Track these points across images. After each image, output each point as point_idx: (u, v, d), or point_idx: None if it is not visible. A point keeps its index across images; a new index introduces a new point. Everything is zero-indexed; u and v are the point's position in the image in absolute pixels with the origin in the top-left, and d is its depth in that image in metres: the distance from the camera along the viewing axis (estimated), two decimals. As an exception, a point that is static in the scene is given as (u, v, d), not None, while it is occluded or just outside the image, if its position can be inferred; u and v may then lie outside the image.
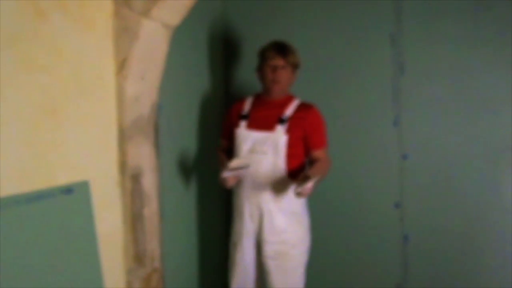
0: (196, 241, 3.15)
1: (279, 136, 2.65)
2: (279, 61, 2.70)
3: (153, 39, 2.32)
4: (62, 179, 1.99)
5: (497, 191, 2.99)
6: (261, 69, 2.78)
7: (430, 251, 3.14)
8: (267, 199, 2.67)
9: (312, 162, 2.72)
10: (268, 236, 2.70)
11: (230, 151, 2.87)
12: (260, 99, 2.81)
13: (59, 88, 1.97)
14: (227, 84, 3.51)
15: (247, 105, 2.83)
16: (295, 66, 2.76)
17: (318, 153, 2.73)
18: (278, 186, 2.64)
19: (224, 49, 3.48)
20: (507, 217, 2.97)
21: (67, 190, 2.00)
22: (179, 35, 2.62)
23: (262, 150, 2.66)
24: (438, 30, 3.04)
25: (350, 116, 3.24)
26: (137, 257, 2.41)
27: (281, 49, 2.72)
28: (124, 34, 2.24)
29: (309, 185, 2.36)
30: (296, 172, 2.66)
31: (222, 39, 3.46)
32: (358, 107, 3.22)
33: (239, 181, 2.74)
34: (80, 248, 2.07)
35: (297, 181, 2.42)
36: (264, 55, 2.76)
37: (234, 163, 2.53)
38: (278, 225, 2.69)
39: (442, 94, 3.05)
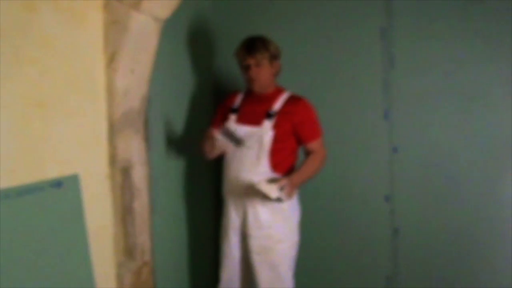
0: (187, 234, 3.15)
1: (265, 131, 2.65)
2: (250, 60, 2.68)
3: (143, 32, 2.31)
4: (52, 172, 1.99)
5: (489, 184, 3.01)
6: (240, 69, 2.79)
7: (420, 244, 3.16)
8: (250, 193, 2.65)
9: (307, 154, 2.75)
10: (252, 231, 2.70)
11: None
12: (250, 93, 2.81)
13: (49, 81, 1.96)
14: (216, 78, 3.50)
15: (238, 99, 2.83)
16: (271, 59, 2.71)
17: (311, 146, 2.73)
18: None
19: (214, 42, 3.47)
20: (499, 210, 3.00)
21: (57, 183, 1.99)
22: (169, 28, 2.61)
23: (247, 145, 2.66)
24: (429, 24, 3.04)
25: (340, 109, 3.24)
26: (128, 250, 2.41)
27: (249, 48, 2.69)
28: (114, 27, 2.23)
29: (278, 185, 2.49)
30: (282, 166, 2.69)
31: (212, 32, 3.45)
32: (348, 100, 3.23)
33: (224, 173, 2.77)
34: (70, 241, 2.06)
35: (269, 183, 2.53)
36: (237, 56, 2.77)
37: (231, 127, 2.57)
38: (263, 219, 2.68)
39: (433, 88, 3.06)
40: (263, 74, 2.70)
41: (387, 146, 3.16)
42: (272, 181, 2.55)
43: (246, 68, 2.71)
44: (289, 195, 2.57)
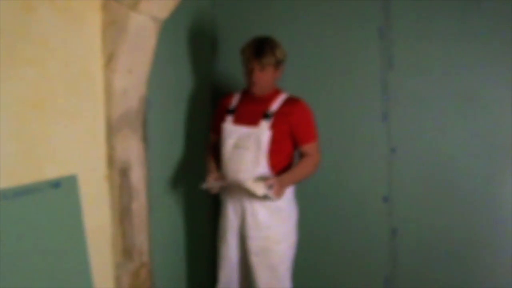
0: (185, 235, 3.15)
1: (263, 131, 2.63)
2: (255, 64, 2.63)
3: (141, 33, 2.31)
4: (50, 173, 1.99)
5: (487, 185, 3.00)
6: (243, 67, 2.74)
7: (418, 245, 3.15)
8: (249, 194, 2.64)
9: (302, 157, 2.74)
10: (251, 232, 2.69)
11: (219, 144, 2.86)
12: (247, 94, 2.79)
13: (47, 81, 1.96)
14: (214, 78, 3.50)
15: (234, 100, 2.82)
16: (277, 64, 2.67)
17: (306, 148, 2.72)
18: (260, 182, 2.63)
19: (212, 43, 3.47)
20: (498, 210, 2.99)
21: (55, 184, 1.99)
22: (168, 29, 2.61)
23: (245, 145, 2.65)
24: (427, 24, 3.04)
25: (338, 110, 3.24)
26: (126, 251, 2.41)
27: (257, 51, 2.62)
28: (112, 28, 2.22)
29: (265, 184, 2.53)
30: (279, 167, 2.68)
31: (211, 32, 3.45)
32: (347, 101, 3.22)
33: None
34: (68, 242, 2.06)
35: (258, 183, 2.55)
36: (243, 55, 2.70)
37: (213, 184, 2.69)
38: (262, 220, 2.67)
39: (431, 89, 3.06)
40: (265, 79, 2.66)
41: (385, 147, 3.16)
42: (260, 179, 2.56)
43: (249, 70, 2.67)
44: (277, 194, 2.56)
